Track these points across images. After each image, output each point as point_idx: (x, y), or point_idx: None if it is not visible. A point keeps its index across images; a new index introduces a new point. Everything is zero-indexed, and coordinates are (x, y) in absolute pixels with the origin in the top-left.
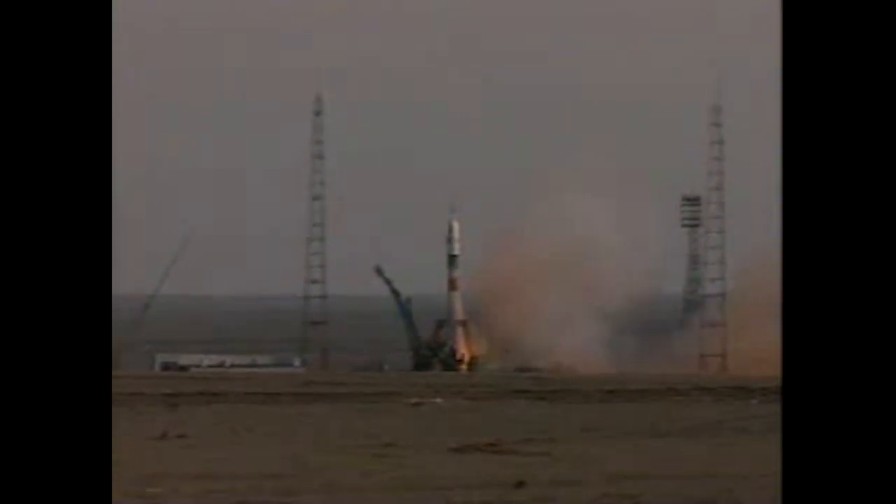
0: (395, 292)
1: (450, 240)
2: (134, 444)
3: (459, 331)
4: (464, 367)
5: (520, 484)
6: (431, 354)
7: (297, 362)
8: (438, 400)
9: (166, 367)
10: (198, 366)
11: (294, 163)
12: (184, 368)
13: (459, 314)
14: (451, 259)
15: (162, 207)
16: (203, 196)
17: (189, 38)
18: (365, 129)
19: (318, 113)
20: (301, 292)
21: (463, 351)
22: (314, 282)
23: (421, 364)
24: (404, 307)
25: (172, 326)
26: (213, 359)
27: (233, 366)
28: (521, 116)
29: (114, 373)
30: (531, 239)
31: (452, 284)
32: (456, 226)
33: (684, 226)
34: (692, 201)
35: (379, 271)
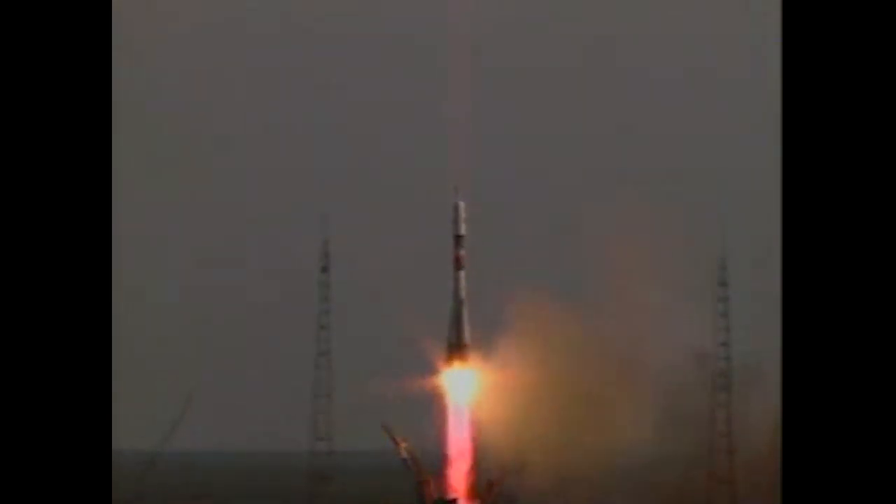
0: (400, 446)
1: (455, 220)
2: None
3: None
4: None
5: None
6: None
7: None
8: None
9: None
10: None
11: (299, 317)
12: None
13: (464, 293)
14: (457, 239)
15: (165, 363)
16: (206, 351)
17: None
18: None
19: (324, 269)
20: (308, 448)
21: None
22: (320, 438)
23: None
24: (410, 463)
25: (177, 484)
26: None
27: None
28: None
29: None
30: (549, 344)
31: (458, 263)
32: (462, 205)
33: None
34: (699, 358)
35: (386, 428)
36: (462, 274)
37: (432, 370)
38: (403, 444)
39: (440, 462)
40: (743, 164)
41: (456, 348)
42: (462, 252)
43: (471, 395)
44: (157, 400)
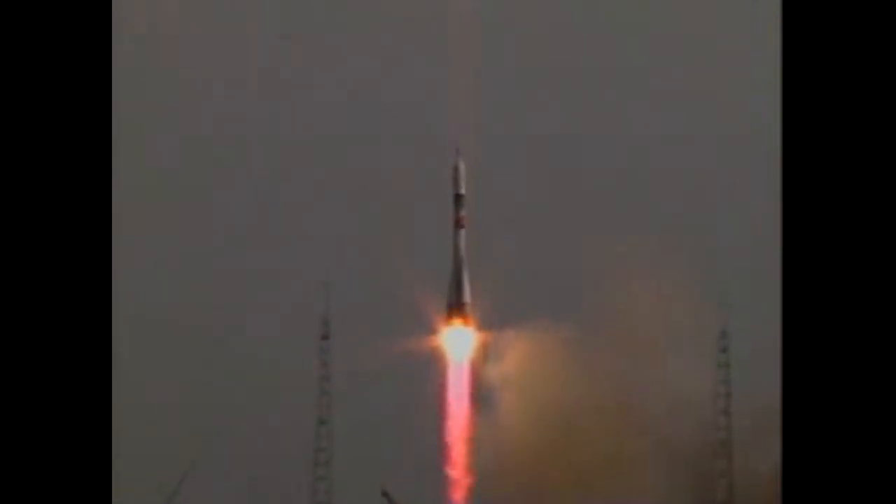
0: None
1: (455, 179)
2: None
3: None
4: None
5: None
6: None
7: None
8: None
9: None
10: None
11: (299, 386)
12: None
13: (464, 253)
14: (458, 198)
15: (164, 432)
16: (205, 419)
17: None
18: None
19: (325, 337)
20: None
21: None
22: None
23: None
24: None
25: None
26: None
27: None
28: None
29: None
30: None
31: (459, 223)
32: (462, 165)
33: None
34: (699, 421)
35: (385, 494)
36: (462, 233)
37: (431, 330)
38: None
39: None
40: (744, 228)
41: (456, 307)
42: (462, 212)
43: (469, 353)
44: (155, 468)
